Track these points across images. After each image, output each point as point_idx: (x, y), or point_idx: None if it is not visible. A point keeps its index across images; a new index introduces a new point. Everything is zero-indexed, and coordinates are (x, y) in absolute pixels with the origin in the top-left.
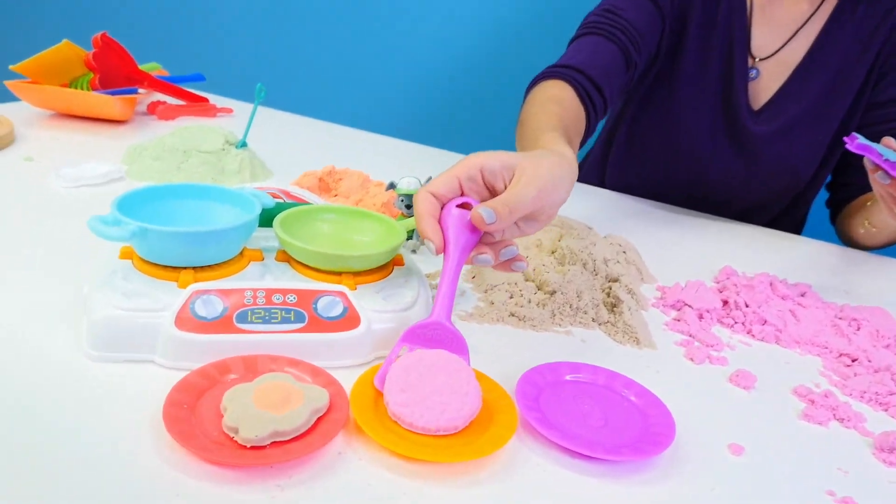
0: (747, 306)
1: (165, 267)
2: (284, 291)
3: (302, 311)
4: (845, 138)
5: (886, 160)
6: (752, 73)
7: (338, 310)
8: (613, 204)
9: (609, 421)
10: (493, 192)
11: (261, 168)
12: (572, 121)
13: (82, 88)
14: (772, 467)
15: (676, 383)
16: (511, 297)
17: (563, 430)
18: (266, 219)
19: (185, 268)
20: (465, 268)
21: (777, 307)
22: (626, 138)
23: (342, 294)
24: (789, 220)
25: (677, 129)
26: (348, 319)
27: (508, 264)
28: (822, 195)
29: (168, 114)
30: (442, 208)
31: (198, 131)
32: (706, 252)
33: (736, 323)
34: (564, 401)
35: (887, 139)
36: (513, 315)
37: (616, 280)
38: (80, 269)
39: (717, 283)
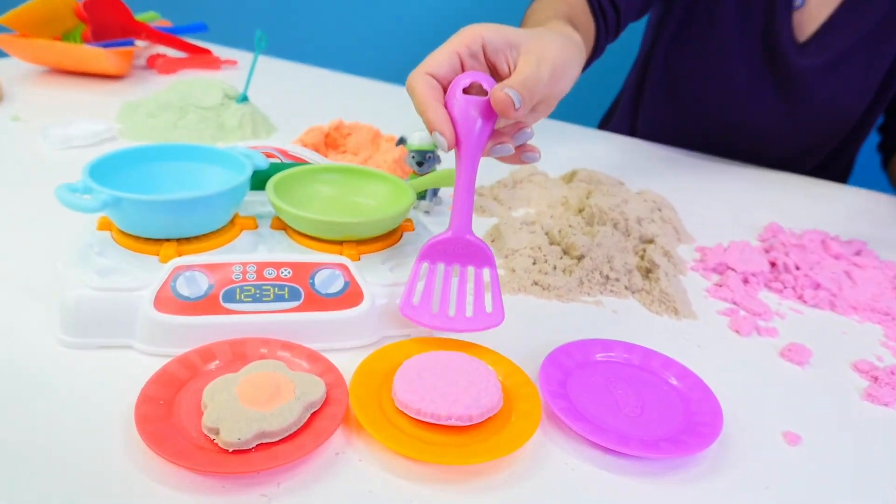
0: (798, 268)
1: (146, 239)
2: (277, 265)
3: (297, 287)
4: None
5: None
6: (798, 1)
7: (338, 285)
8: (645, 154)
9: (646, 409)
10: (494, 73)
11: (263, 123)
12: (581, 23)
13: (75, 41)
14: (833, 459)
15: (721, 360)
16: (534, 263)
17: (594, 422)
18: (261, 181)
19: (167, 240)
20: (484, 230)
21: (830, 268)
22: (659, 78)
23: (343, 267)
24: (835, 167)
25: (714, 66)
26: (350, 295)
27: (520, 154)
28: (872, 139)
29: (168, 67)
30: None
31: (196, 85)
32: (748, 206)
33: (785, 288)
34: (595, 386)
35: None
36: (536, 284)
37: (651, 241)
38: (59, 241)
39: (763, 241)
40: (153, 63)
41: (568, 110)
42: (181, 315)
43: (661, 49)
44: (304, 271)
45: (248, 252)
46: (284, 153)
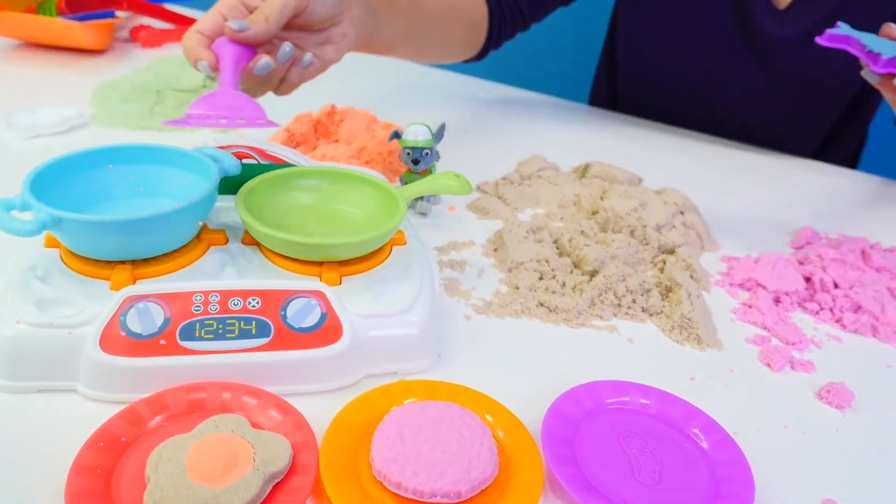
0: (836, 286)
1: (98, 261)
2: (244, 294)
3: (266, 321)
4: (818, 38)
5: (870, 52)
6: None
7: (313, 317)
8: (659, 139)
9: (665, 475)
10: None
11: None
12: None
13: (49, 13)
14: None
15: (750, 404)
16: (540, 279)
17: (605, 493)
18: (235, 185)
19: (121, 262)
20: (486, 236)
21: (872, 286)
22: (627, 47)
23: (320, 295)
24: (840, 148)
25: (684, 36)
26: (327, 331)
27: (297, 66)
28: (887, 115)
29: (153, 40)
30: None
31: (175, 65)
32: (778, 202)
33: (822, 309)
34: (606, 443)
35: (887, 26)
36: (542, 305)
37: (672, 252)
38: (3, 256)
39: (795, 248)
40: (136, 35)
41: (560, 84)
42: (130, 356)
43: (627, 13)
44: (275, 301)
45: (214, 275)
46: (261, 153)
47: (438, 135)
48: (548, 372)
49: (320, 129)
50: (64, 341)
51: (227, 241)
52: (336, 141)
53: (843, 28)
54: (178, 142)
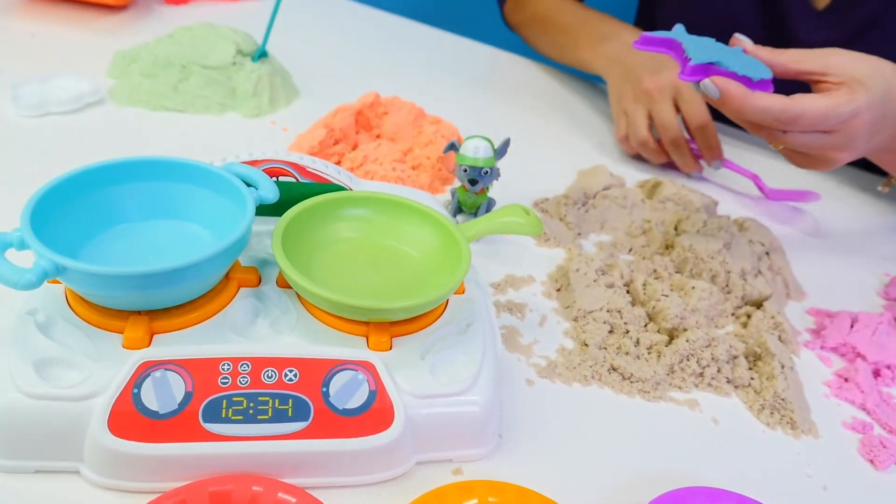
0: None
1: (109, 309)
2: (280, 363)
3: (305, 399)
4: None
5: (687, 58)
6: None
7: (360, 396)
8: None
9: None
10: None
11: (283, 88)
12: None
13: None
14: None
15: None
16: (611, 332)
17: None
18: (272, 207)
19: (137, 312)
20: (547, 269)
21: None
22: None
23: (367, 367)
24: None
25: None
26: (375, 413)
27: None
28: None
29: None
30: None
31: (202, 35)
32: (866, 232)
33: None
34: None
35: (734, 37)
36: (615, 370)
37: (759, 305)
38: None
39: (887, 298)
40: None
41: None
42: (144, 441)
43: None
44: (316, 374)
45: (244, 329)
46: (301, 170)
47: (501, 151)
48: (624, 461)
49: (361, 122)
50: (67, 416)
51: (259, 282)
52: (378, 137)
53: (676, 31)
54: (201, 149)
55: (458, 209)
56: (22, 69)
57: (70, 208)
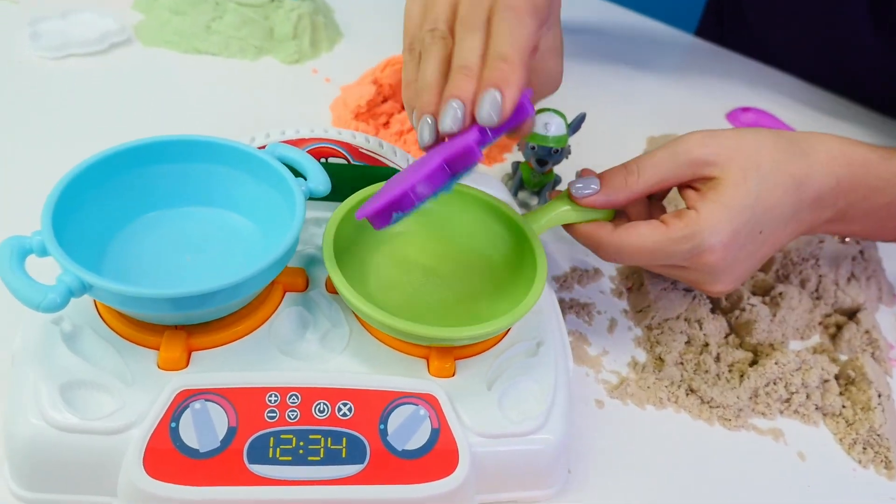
0: None
1: (143, 323)
2: (332, 395)
3: (361, 438)
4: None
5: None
6: None
7: (421, 435)
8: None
9: None
10: None
11: (326, 29)
12: None
13: None
14: None
15: None
16: (688, 343)
17: None
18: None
19: (173, 326)
20: (618, 265)
21: None
22: None
23: (429, 401)
24: None
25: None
26: (438, 455)
27: None
28: None
29: None
30: None
31: None
32: None
33: None
34: None
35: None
36: (693, 393)
37: (852, 315)
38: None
39: None
40: None
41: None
42: (184, 484)
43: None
44: (373, 408)
45: (291, 345)
46: (353, 150)
47: (574, 127)
48: (703, 500)
49: None
50: (98, 450)
51: (306, 286)
52: None
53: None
54: (236, 104)
55: (520, 186)
56: (46, 4)
57: (96, 197)
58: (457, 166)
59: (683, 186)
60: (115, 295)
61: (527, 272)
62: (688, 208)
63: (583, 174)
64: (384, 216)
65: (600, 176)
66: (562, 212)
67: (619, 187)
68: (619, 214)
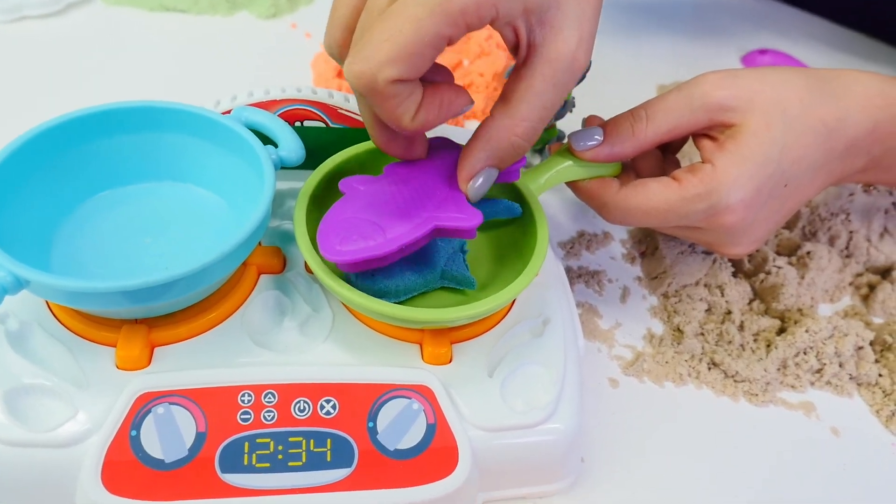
0: None
1: (98, 318)
2: (314, 391)
3: (347, 438)
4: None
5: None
6: None
7: (416, 432)
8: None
9: None
10: None
11: None
12: None
13: None
14: None
15: None
16: (708, 311)
17: None
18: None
19: (132, 320)
20: (629, 236)
21: None
22: None
23: (424, 393)
24: None
25: None
26: (435, 454)
27: None
28: None
29: None
30: None
31: None
32: None
33: None
34: None
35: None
36: (715, 366)
37: (887, 274)
38: None
39: None
40: None
41: None
42: (149, 500)
43: None
44: (360, 404)
45: (266, 334)
46: (331, 112)
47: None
48: (731, 487)
49: None
50: (49, 465)
51: (283, 267)
52: None
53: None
54: (207, 66)
55: None
56: None
57: (41, 176)
58: (446, 234)
59: (699, 135)
60: (57, 291)
61: (527, 239)
62: (703, 162)
63: (587, 123)
64: (358, 266)
65: (605, 125)
66: (563, 168)
67: (624, 137)
68: (627, 171)
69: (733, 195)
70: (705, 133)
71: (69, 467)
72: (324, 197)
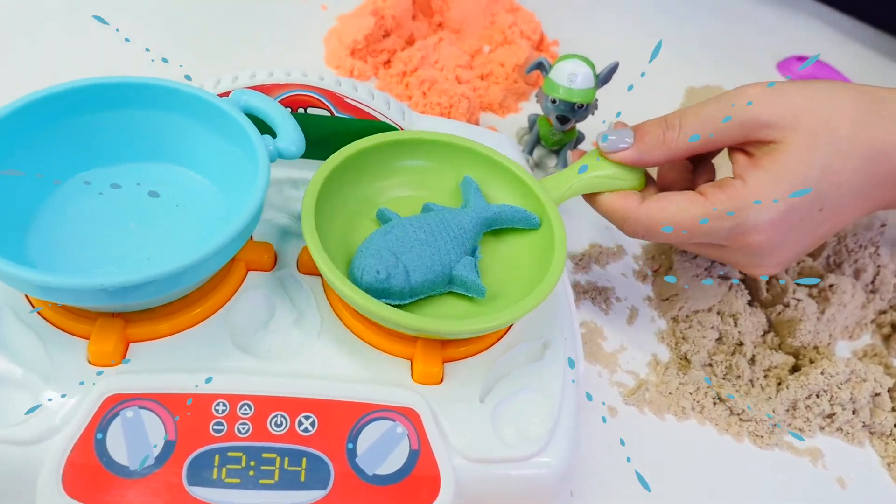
0: None
1: (74, 308)
2: (292, 406)
3: (324, 459)
4: None
5: None
6: None
7: (397, 457)
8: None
9: None
10: None
11: None
12: None
13: None
14: None
15: None
16: (719, 341)
17: None
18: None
19: (109, 314)
20: (644, 242)
21: None
22: None
23: (410, 416)
24: None
25: None
26: (416, 481)
27: None
28: None
29: None
30: None
31: None
32: None
33: None
34: None
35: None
36: (721, 402)
37: None
38: None
39: None
40: None
41: None
42: None
43: None
44: (340, 423)
45: (247, 337)
46: (338, 101)
47: (604, 78)
48: None
49: (420, 5)
50: (9, 462)
51: (273, 265)
52: (440, 26)
53: None
54: (212, 38)
55: (536, 142)
56: None
57: (22, 151)
58: None
59: (734, 148)
60: (27, 283)
61: (543, 252)
62: (734, 177)
63: (615, 127)
64: None
65: (635, 129)
66: (588, 178)
67: (655, 143)
68: (650, 184)
69: (761, 215)
70: (741, 147)
71: (29, 466)
72: (328, 192)
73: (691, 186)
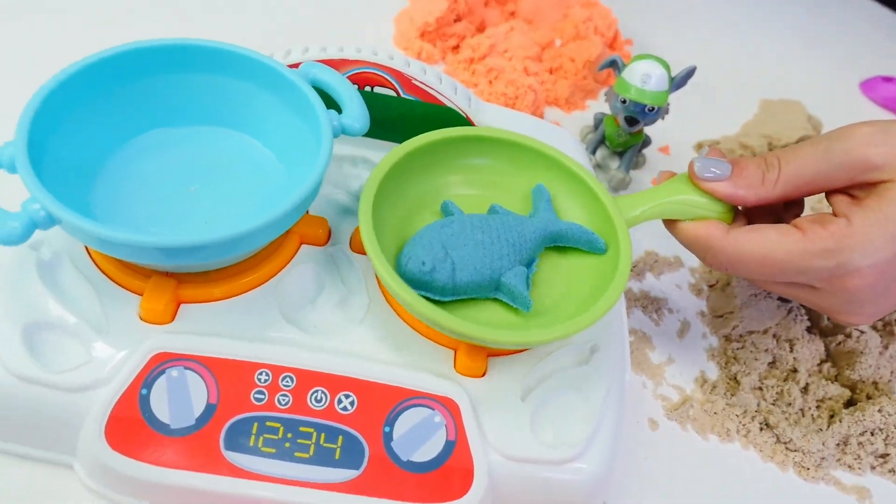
0: None
1: (130, 263)
2: (334, 383)
3: (360, 438)
4: None
5: None
6: None
7: (433, 446)
8: None
9: None
10: None
11: None
12: None
13: None
14: None
15: None
16: (772, 365)
17: None
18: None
19: (162, 272)
20: (700, 265)
21: None
22: None
23: (450, 406)
24: None
25: None
26: (449, 472)
27: None
28: None
29: None
30: None
31: None
32: None
33: None
34: None
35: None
36: (768, 428)
37: None
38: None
39: None
40: None
41: None
42: (148, 462)
43: None
44: (379, 406)
45: (298, 310)
46: (405, 81)
47: (679, 83)
48: None
49: None
50: (57, 407)
51: (327, 240)
52: (513, 15)
53: None
54: (286, 23)
55: (601, 142)
56: None
57: (89, 108)
58: None
59: (835, 191)
60: (88, 235)
61: (601, 277)
62: (835, 215)
63: (711, 154)
64: None
65: (732, 163)
66: (667, 202)
67: (752, 182)
68: (737, 216)
69: (867, 258)
70: (842, 190)
71: (76, 413)
72: (397, 176)
73: (779, 220)
